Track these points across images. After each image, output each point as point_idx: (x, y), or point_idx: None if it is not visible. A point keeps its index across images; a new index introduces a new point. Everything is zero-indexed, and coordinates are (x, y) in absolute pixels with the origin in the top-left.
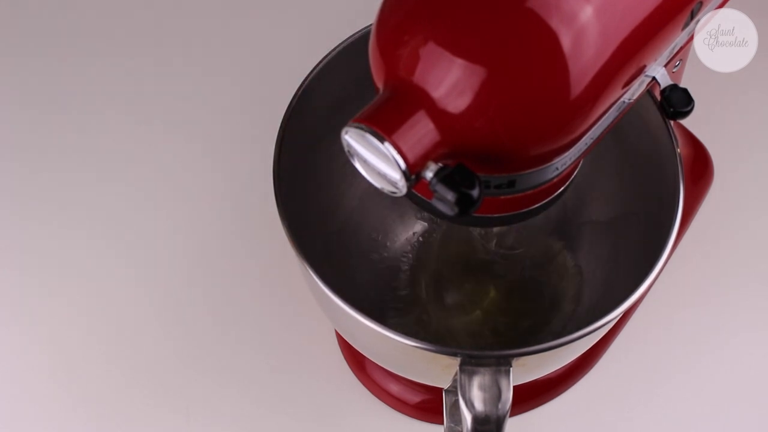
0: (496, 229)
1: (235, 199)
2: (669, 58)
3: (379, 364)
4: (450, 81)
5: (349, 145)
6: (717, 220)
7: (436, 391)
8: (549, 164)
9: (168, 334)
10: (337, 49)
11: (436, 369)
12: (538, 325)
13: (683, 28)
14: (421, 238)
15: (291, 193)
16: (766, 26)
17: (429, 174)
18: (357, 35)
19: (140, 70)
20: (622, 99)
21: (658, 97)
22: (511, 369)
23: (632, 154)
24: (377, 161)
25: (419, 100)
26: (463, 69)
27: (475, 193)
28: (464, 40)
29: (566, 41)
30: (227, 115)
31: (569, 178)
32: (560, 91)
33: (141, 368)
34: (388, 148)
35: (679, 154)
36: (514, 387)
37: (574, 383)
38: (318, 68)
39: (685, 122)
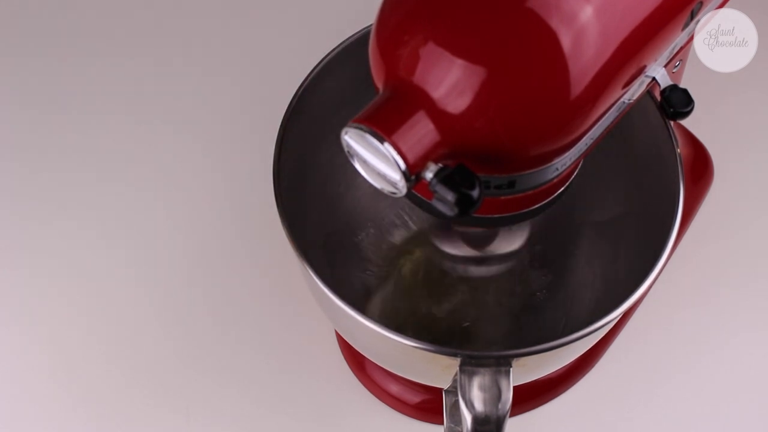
0: (497, 230)
1: (235, 199)
2: (669, 59)
3: (379, 364)
4: (450, 81)
5: (348, 146)
6: (717, 220)
7: (436, 392)
8: (549, 165)
9: (168, 334)
10: (337, 49)
11: (436, 369)
12: (539, 325)
13: (683, 29)
14: (421, 238)
15: (291, 193)
16: (766, 26)
17: (429, 174)
18: (357, 35)
19: (140, 70)
20: (622, 99)
21: (658, 98)
22: (511, 369)
23: (632, 155)
24: (377, 162)
25: (419, 101)
26: (463, 69)
27: (475, 193)
28: (464, 41)
29: (566, 41)
30: (227, 115)
31: (569, 178)
32: (560, 92)
33: (141, 368)
34: (387, 148)
35: (679, 154)
36: (514, 387)
37: (574, 383)
38: (318, 68)
39: (685, 122)
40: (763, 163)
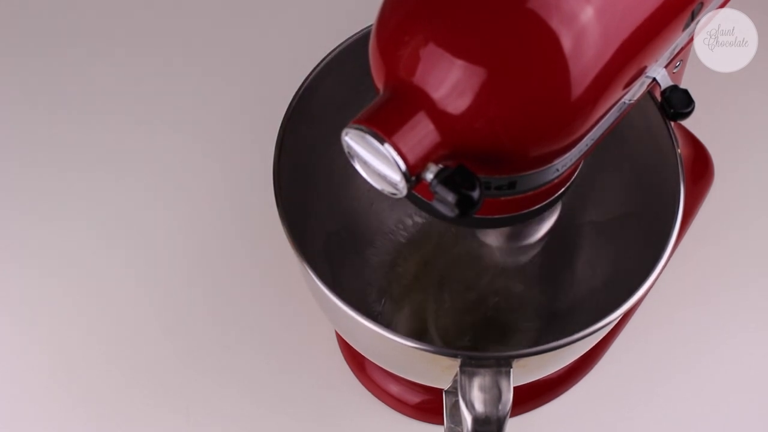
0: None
1: (235, 200)
2: (669, 59)
3: (379, 364)
4: (450, 82)
5: (349, 147)
6: (717, 220)
7: (436, 392)
8: (550, 165)
9: (168, 334)
10: (337, 49)
11: (437, 370)
12: (539, 324)
13: (684, 29)
14: (421, 238)
15: (291, 193)
16: (766, 26)
17: (429, 175)
18: (357, 35)
19: (140, 70)
20: (622, 100)
21: (659, 98)
22: (511, 370)
23: (633, 155)
24: (377, 162)
25: (419, 101)
26: (464, 70)
27: (475, 194)
28: (464, 41)
29: (567, 42)
30: (227, 115)
31: (570, 179)
32: (561, 92)
33: (141, 368)
34: (388, 149)
35: (680, 155)
36: (515, 388)
37: (575, 384)
38: (318, 68)
39: (685, 122)
40: (764, 163)
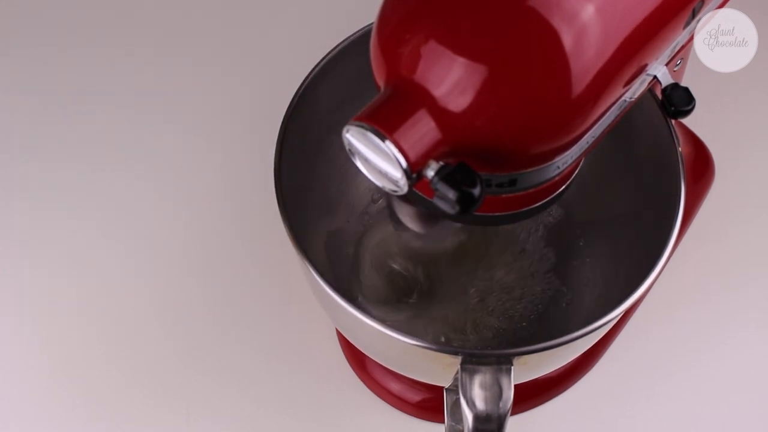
0: (499, 229)
1: (236, 199)
2: (670, 57)
3: (380, 362)
4: (451, 79)
5: (350, 144)
6: (718, 219)
7: (437, 390)
8: (550, 163)
9: (168, 334)
10: (337, 49)
11: (438, 368)
12: (539, 324)
13: (685, 27)
14: (421, 238)
15: (291, 192)
16: (766, 26)
17: (430, 172)
18: (357, 35)
19: (142, 69)
20: (623, 98)
21: (660, 96)
22: (512, 368)
23: (633, 153)
24: (378, 160)
25: (420, 99)
26: (465, 67)
27: (476, 191)
28: (465, 39)
29: (568, 40)
30: (228, 115)
31: (570, 176)
32: (562, 90)
33: (141, 368)
34: (389, 146)
35: (681, 153)
36: (516, 385)
37: (575, 382)
38: (318, 68)
39: (686, 121)
40: (764, 162)
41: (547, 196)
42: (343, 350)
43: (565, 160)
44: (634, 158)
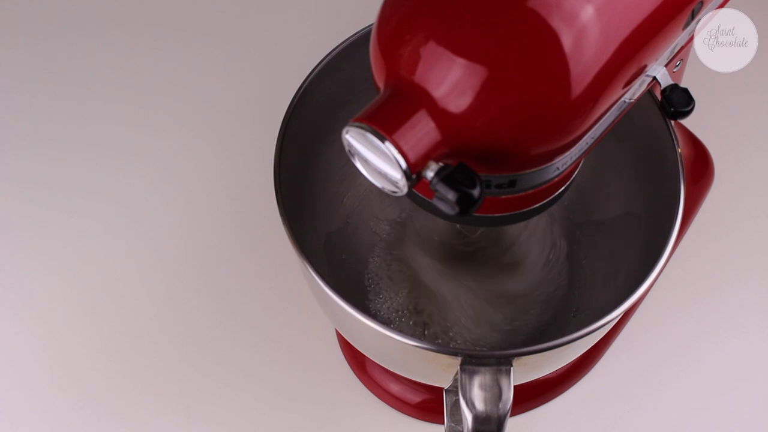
0: (497, 229)
1: (235, 199)
2: (670, 58)
3: (380, 363)
4: (451, 80)
5: (350, 145)
6: (717, 219)
7: (436, 391)
8: (550, 164)
9: (168, 334)
10: (337, 49)
11: (437, 369)
12: (539, 324)
13: (684, 28)
14: (421, 237)
15: (291, 193)
16: (766, 26)
17: (430, 173)
18: (357, 35)
19: (143, 69)
20: (622, 99)
21: (659, 97)
22: (511, 369)
23: (633, 154)
24: (378, 161)
25: (420, 100)
26: (464, 68)
27: (476, 192)
28: (465, 40)
29: (567, 41)
30: (228, 115)
31: (570, 177)
32: (561, 91)
33: (141, 367)
34: (389, 147)
35: (680, 154)
36: (515, 386)
37: (575, 383)
38: (318, 68)
39: (685, 122)
40: (764, 162)
41: (547, 197)
42: (343, 351)
43: (564, 161)
44: (634, 159)
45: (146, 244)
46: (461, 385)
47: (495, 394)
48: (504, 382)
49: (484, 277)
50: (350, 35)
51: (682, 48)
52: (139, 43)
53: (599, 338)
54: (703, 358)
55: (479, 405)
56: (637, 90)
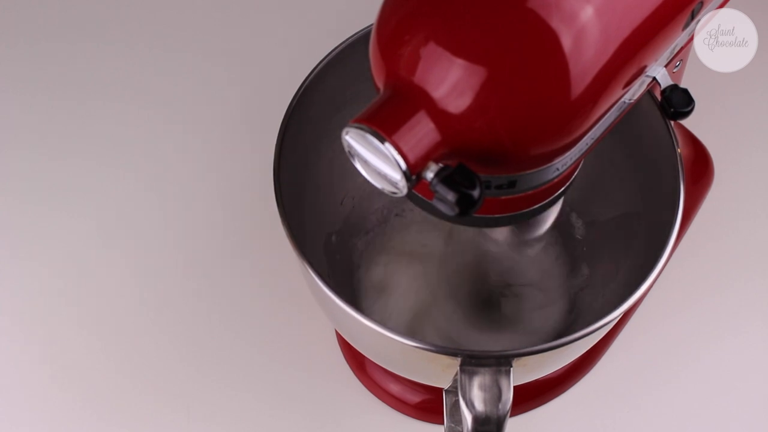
0: (497, 230)
1: (235, 199)
2: (669, 59)
3: (380, 364)
4: (450, 81)
5: (349, 146)
6: (717, 219)
7: (436, 391)
8: (550, 164)
9: (168, 334)
10: (337, 49)
11: (437, 369)
12: (539, 324)
13: (684, 28)
14: (420, 237)
15: (291, 193)
16: (766, 26)
17: (430, 174)
18: (357, 35)
19: (142, 69)
20: (622, 99)
21: (659, 98)
22: (511, 369)
23: (632, 154)
24: (378, 162)
25: (420, 101)
26: (464, 69)
27: (475, 193)
28: (465, 40)
29: (567, 41)
30: (228, 114)
31: (570, 178)
32: (561, 92)
33: (141, 368)
34: (388, 148)
35: (680, 154)
36: (515, 387)
37: (575, 383)
38: (318, 68)
39: (685, 122)
40: (764, 163)
41: (547, 198)
42: (343, 351)
43: (564, 161)
44: (634, 159)
45: (146, 244)
46: (461, 385)
47: (495, 394)
48: (504, 382)
49: (486, 276)
50: (350, 35)
51: (681, 48)
52: (139, 43)
53: (599, 338)
54: (702, 358)
55: (479, 405)
56: (636, 90)
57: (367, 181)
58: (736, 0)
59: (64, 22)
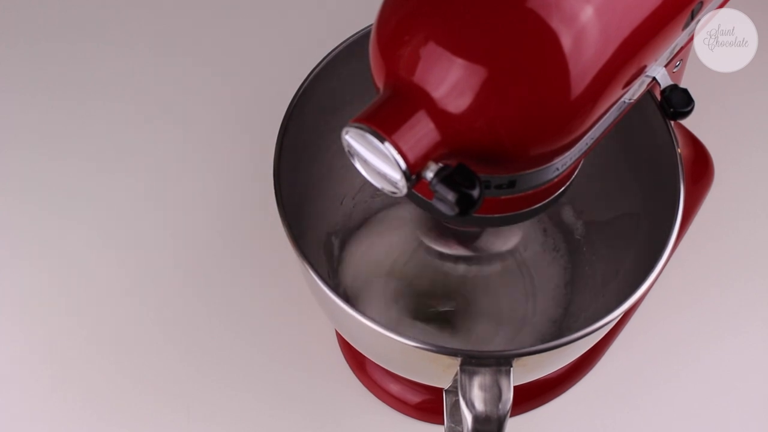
0: (498, 229)
1: (235, 199)
2: (669, 59)
3: (380, 364)
4: (450, 81)
5: (349, 145)
6: (717, 219)
7: (436, 392)
8: (549, 164)
9: (168, 334)
10: (337, 49)
11: (437, 369)
12: (539, 324)
13: (684, 28)
14: (421, 237)
15: (291, 193)
16: (766, 26)
17: (429, 174)
18: (357, 35)
19: (141, 69)
20: (622, 99)
21: (659, 98)
22: (511, 369)
23: (632, 154)
24: (378, 161)
25: (419, 100)
26: (464, 69)
27: (475, 193)
28: (464, 40)
29: (567, 41)
30: (227, 115)
31: (570, 178)
32: (561, 92)
33: (141, 368)
34: (388, 148)
35: (680, 154)
36: (515, 387)
37: (575, 383)
38: (318, 68)
39: (685, 122)
40: (764, 163)
41: (547, 198)
42: (343, 351)
43: (564, 161)
44: (634, 159)
45: (146, 244)
46: (461, 385)
47: (495, 394)
48: (504, 382)
49: (484, 275)
50: (350, 35)
51: (681, 48)
52: (139, 43)
53: (599, 338)
54: (702, 357)
55: (479, 405)
56: (636, 90)
57: (368, 180)
58: (736, 0)
59: (64, 22)
